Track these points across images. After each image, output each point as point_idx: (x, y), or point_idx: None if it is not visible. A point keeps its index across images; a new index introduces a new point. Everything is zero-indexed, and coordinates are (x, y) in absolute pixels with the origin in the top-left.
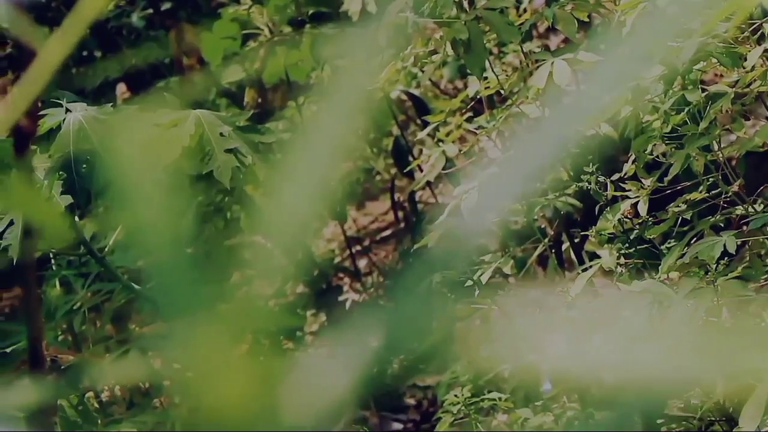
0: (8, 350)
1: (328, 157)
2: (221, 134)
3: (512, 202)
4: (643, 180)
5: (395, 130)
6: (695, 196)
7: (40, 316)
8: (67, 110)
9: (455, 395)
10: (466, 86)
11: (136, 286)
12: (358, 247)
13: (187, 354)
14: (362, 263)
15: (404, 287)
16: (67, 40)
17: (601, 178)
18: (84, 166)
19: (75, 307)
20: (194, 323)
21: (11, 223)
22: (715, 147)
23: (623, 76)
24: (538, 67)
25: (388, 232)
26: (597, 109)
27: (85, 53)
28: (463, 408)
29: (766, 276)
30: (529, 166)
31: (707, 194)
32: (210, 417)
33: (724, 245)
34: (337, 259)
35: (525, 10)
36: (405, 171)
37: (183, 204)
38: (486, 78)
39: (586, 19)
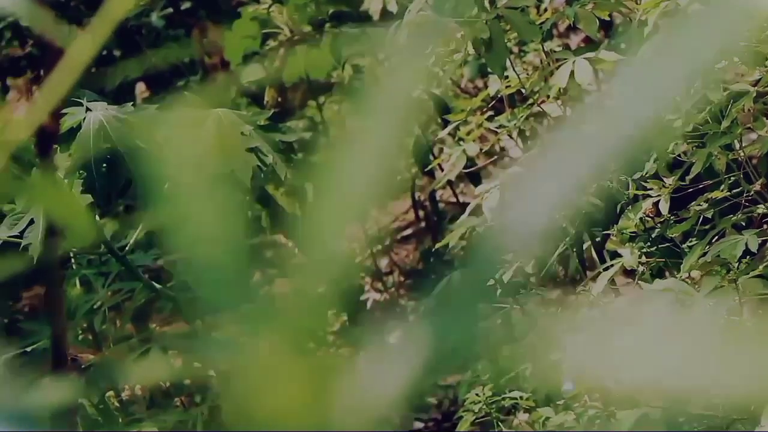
0: (29, 349)
1: (379, 157)
2: (242, 133)
3: (563, 208)
4: (664, 178)
5: (416, 129)
6: (717, 194)
7: (64, 316)
8: (88, 109)
9: (476, 394)
10: (486, 85)
11: (157, 285)
12: (379, 247)
13: (239, 354)
14: (383, 262)
15: (456, 290)
16: (94, 39)
17: (623, 177)
18: (104, 165)
19: (95, 307)
20: (246, 322)
21: (32, 222)
22: (737, 146)
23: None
24: (559, 66)
25: (408, 232)
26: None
27: (104, 52)
28: (484, 407)
29: None
30: (579, 170)
31: (729, 193)
32: (259, 418)
33: (746, 244)
34: (358, 258)
35: (545, 9)
36: (426, 170)
37: (235, 202)
38: (507, 77)
39: (607, 18)
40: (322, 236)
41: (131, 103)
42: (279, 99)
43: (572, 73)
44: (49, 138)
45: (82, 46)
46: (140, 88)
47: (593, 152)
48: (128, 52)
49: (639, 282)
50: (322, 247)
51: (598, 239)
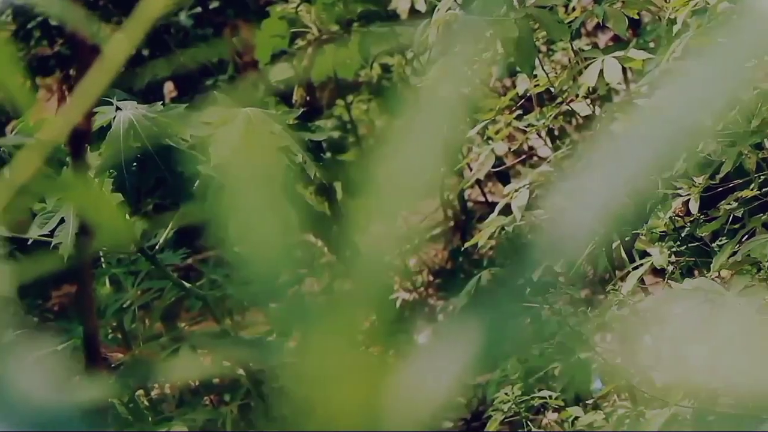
0: (60, 348)
1: (429, 157)
2: (271, 132)
3: (616, 207)
4: (694, 177)
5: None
6: (747, 193)
7: (95, 315)
8: (118, 108)
9: (505, 393)
10: (514, 84)
11: (187, 284)
12: (407, 246)
13: (299, 353)
14: (411, 262)
15: (504, 289)
16: (129, 39)
17: (653, 176)
18: (134, 164)
19: (125, 305)
20: (304, 321)
21: (62, 221)
22: (767, 144)
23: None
24: (588, 64)
25: (437, 231)
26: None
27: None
28: (513, 406)
29: None
30: (624, 173)
31: (759, 192)
32: (316, 417)
33: None
34: (386, 257)
35: (573, 8)
36: (454, 169)
37: (289, 202)
38: (535, 76)
39: (636, 17)
40: (372, 235)
41: (160, 102)
42: (307, 98)
43: (601, 71)
44: (81, 137)
45: (118, 45)
46: (168, 87)
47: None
48: (157, 51)
49: (668, 281)
50: (371, 246)
51: (627, 238)
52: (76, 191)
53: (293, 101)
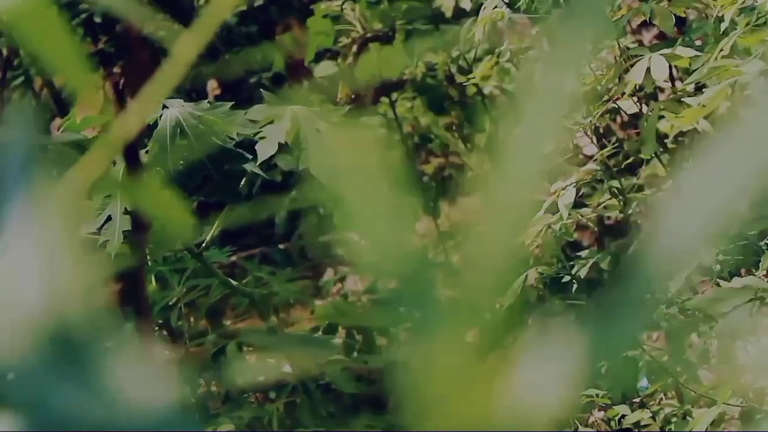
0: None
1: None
2: (317, 130)
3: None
4: None
5: (488, 126)
6: None
7: (150, 312)
8: (164, 106)
9: None
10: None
11: (233, 282)
12: (451, 242)
13: (419, 354)
14: (455, 259)
15: (618, 291)
16: (199, 38)
17: None
18: (181, 162)
19: (171, 303)
20: (427, 319)
21: (109, 218)
22: None
23: None
24: (634, 62)
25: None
26: None
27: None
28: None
29: None
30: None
31: None
32: (437, 418)
33: None
34: (431, 254)
35: (620, 7)
36: (500, 167)
37: (408, 200)
38: (581, 74)
39: (683, 14)
40: (495, 234)
41: (206, 100)
42: (352, 96)
43: (648, 69)
44: (139, 136)
45: (187, 44)
46: (212, 85)
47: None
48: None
49: (716, 280)
50: (489, 245)
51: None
52: (144, 190)
53: (338, 99)
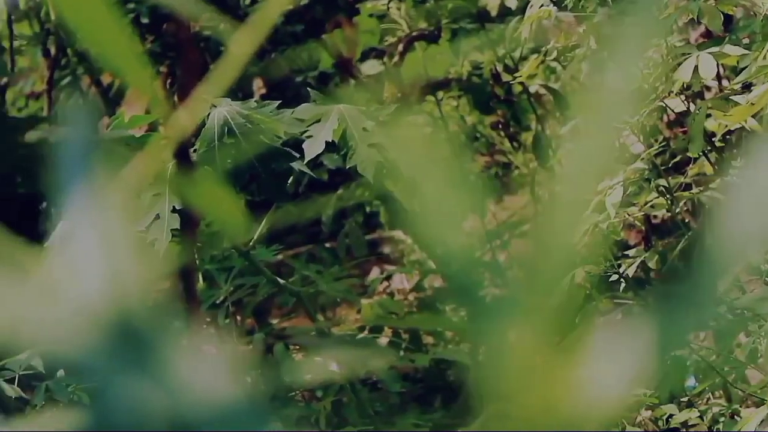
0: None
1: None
2: (364, 129)
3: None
4: None
5: (534, 125)
6: None
7: (200, 310)
8: (212, 105)
9: None
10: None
11: (280, 281)
12: (497, 242)
13: (493, 351)
14: (501, 258)
15: (670, 290)
16: (254, 36)
17: None
18: (228, 161)
19: (218, 302)
20: (498, 317)
21: (157, 216)
22: None
23: None
24: (682, 61)
25: (527, 227)
26: None
27: (222, 48)
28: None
29: None
30: None
31: None
32: (515, 415)
33: None
34: (477, 253)
35: (666, 5)
36: (546, 165)
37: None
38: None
39: (731, 12)
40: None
41: (253, 99)
42: (398, 94)
43: (695, 67)
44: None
45: (242, 42)
46: (258, 84)
47: None
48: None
49: (765, 279)
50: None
51: None
52: (195, 188)
53: (384, 97)
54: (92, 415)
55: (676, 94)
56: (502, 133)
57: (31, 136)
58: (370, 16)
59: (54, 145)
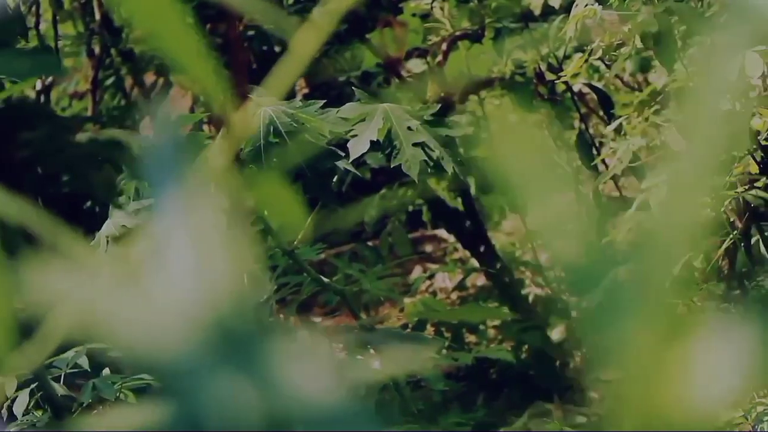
0: None
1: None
2: (409, 128)
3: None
4: None
5: (577, 124)
6: None
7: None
8: (257, 104)
9: None
10: (646, 79)
11: (324, 279)
12: (540, 241)
13: (615, 347)
14: (543, 257)
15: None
16: (319, 33)
17: None
18: (274, 160)
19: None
20: (619, 311)
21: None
22: None
23: None
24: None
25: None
26: None
27: (264, 47)
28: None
29: None
30: None
31: None
32: (633, 412)
33: None
34: (518, 252)
35: (709, 4)
36: (590, 165)
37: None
38: (673, 71)
39: None
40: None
41: (296, 99)
42: (441, 93)
43: (742, 66)
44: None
45: (306, 40)
46: (300, 84)
47: None
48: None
49: None
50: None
51: (767, 234)
52: (263, 188)
53: (427, 96)
54: (188, 414)
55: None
56: (546, 132)
57: (80, 136)
58: (413, 15)
59: (143, 146)
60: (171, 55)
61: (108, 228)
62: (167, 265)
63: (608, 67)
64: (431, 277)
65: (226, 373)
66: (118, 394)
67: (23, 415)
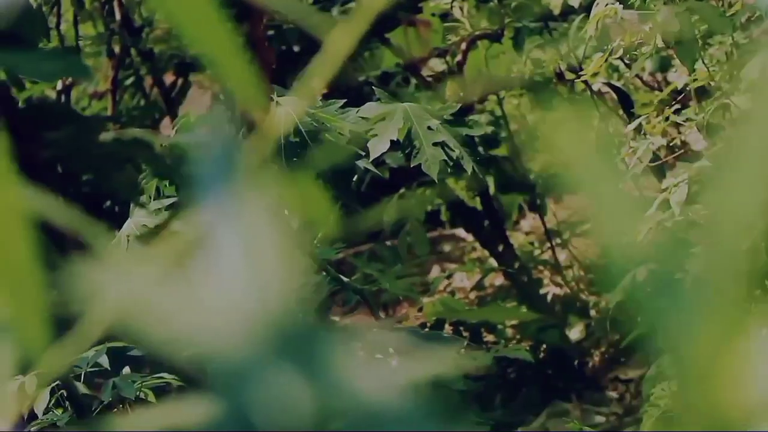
0: None
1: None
2: (429, 128)
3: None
4: None
5: (597, 123)
6: None
7: None
8: (277, 103)
9: (662, 389)
10: (665, 79)
11: (343, 278)
12: (558, 240)
13: (677, 344)
14: (562, 256)
15: None
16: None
17: None
18: (294, 159)
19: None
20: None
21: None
22: None
23: None
24: (749, 58)
25: (588, 226)
26: None
27: (284, 47)
28: (670, 402)
29: None
30: None
31: None
32: (701, 411)
33: None
34: (537, 252)
35: (731, 3)
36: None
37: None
38: (694, 70)
39: None
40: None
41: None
42: (460, 93)
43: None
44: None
45: (340, 40)
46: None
47: None
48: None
49: None
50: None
51: None
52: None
53: (446, 96)
54: (243, 414)
55: (744, 92)
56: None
57: (104, 136)
58: (432, 15)
59: (194, 148)
60: (205, 53)
61: (129, 227)
62: (221, 264)
63: (628, 66)
64: (449, 276)
65: (283, 373)
66: (138, 393)
67: (44, 414)
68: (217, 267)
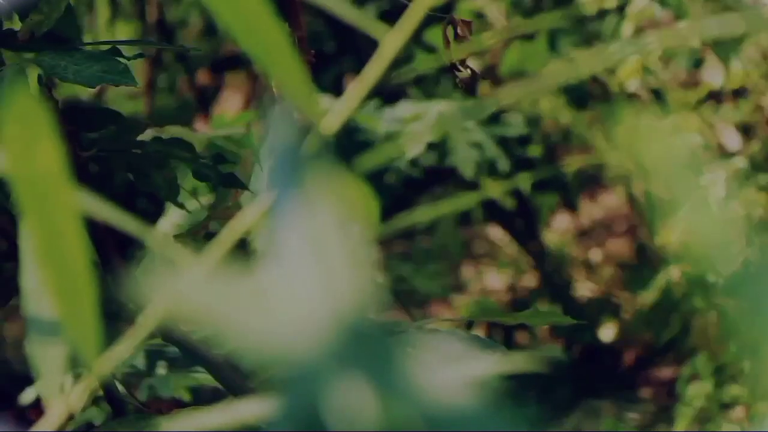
0: None
1: None
2: (464, 128)
3: None
4: None
5: (630, 122)
6: None
7: None
8: (328, 104)
9: (696, 389)
10: (698, 78)
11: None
12: (590, 239)
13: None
14: (595, 256)
15: None
16: (404, 33)
17: None
18: (345, 160)
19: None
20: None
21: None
22: None
23: None
24: None
25: (622, 226)
26: None
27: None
28: (704, 402)
29: None
30: None
31: None
32: None
33: None
34: (570, 251)
35: (765, 3)
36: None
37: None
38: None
39: None
40: None
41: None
42: (495, 93)
43: None
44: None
45: (393, 39)
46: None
47: None
48: (342, 45)
49: None
50: None
51: None
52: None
53: (479, 95)
54: (314, 416)
55: None
56: (598, 131)
57: (144, 135)
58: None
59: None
60: (261, 54)
61: (163, 226)
62: (291, 266)
63: (663, 65)
64: (482, 276)
65: (354, 376)
66: (173, 393)
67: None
68: (286, 269)
